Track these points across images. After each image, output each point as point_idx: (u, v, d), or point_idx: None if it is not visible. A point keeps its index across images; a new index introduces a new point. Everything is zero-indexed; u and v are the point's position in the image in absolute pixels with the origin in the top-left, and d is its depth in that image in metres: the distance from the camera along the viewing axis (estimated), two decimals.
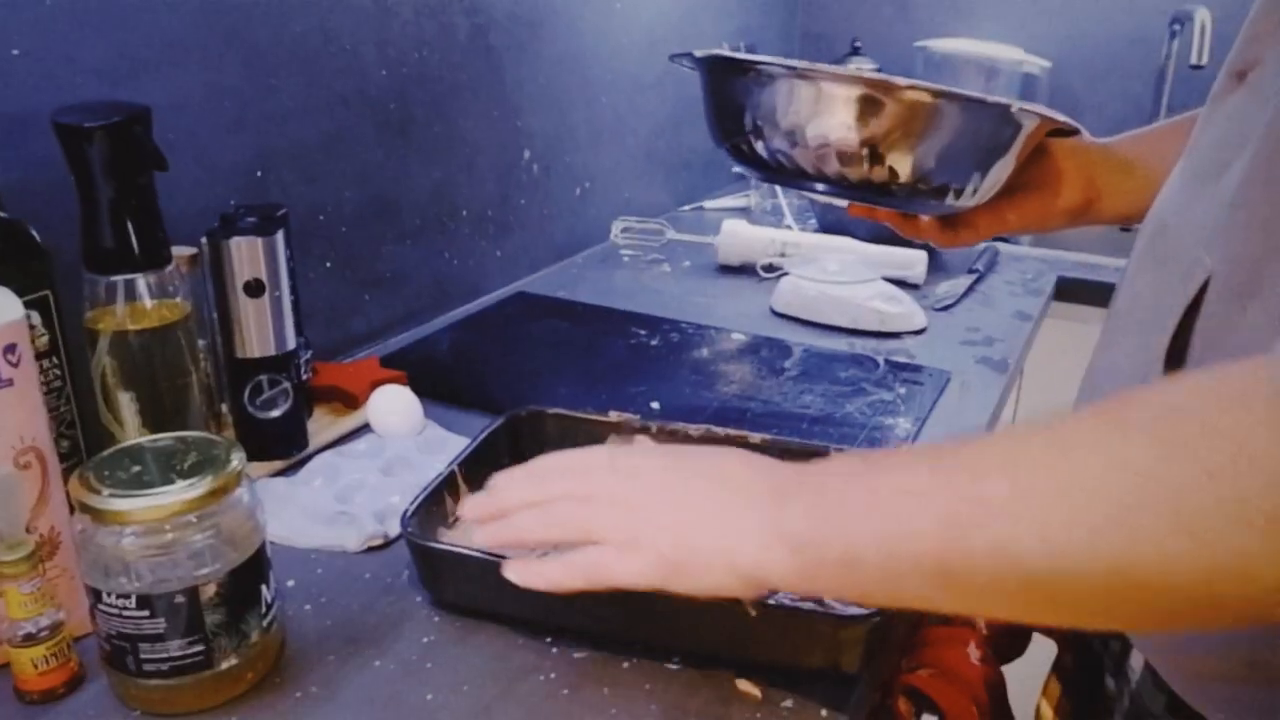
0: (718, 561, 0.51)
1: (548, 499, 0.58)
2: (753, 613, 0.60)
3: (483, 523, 0.60)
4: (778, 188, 1.68)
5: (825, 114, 0.71)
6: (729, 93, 0.76)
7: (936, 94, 0.71)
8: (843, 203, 0.83)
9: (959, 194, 0.76)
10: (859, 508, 0.47)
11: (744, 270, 1.46)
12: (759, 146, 0.75)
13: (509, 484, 0.60)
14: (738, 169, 0.81)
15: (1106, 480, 0.38)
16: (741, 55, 0.74)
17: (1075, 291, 1.48)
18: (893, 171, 0.72)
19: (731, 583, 0.52)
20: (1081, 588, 0.39)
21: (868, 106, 0.70)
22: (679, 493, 0.54)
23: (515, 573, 0.58)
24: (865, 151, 0.71)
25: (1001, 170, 0.76)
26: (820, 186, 0.75)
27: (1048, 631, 0.85)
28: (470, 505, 0.62)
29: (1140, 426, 0.39)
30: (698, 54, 0.79)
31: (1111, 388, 0.61)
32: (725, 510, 0.52)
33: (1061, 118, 0.77)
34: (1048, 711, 0.80)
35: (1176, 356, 0.55)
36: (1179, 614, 0.40)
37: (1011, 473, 0.41)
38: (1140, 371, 0.57)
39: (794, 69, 0.71)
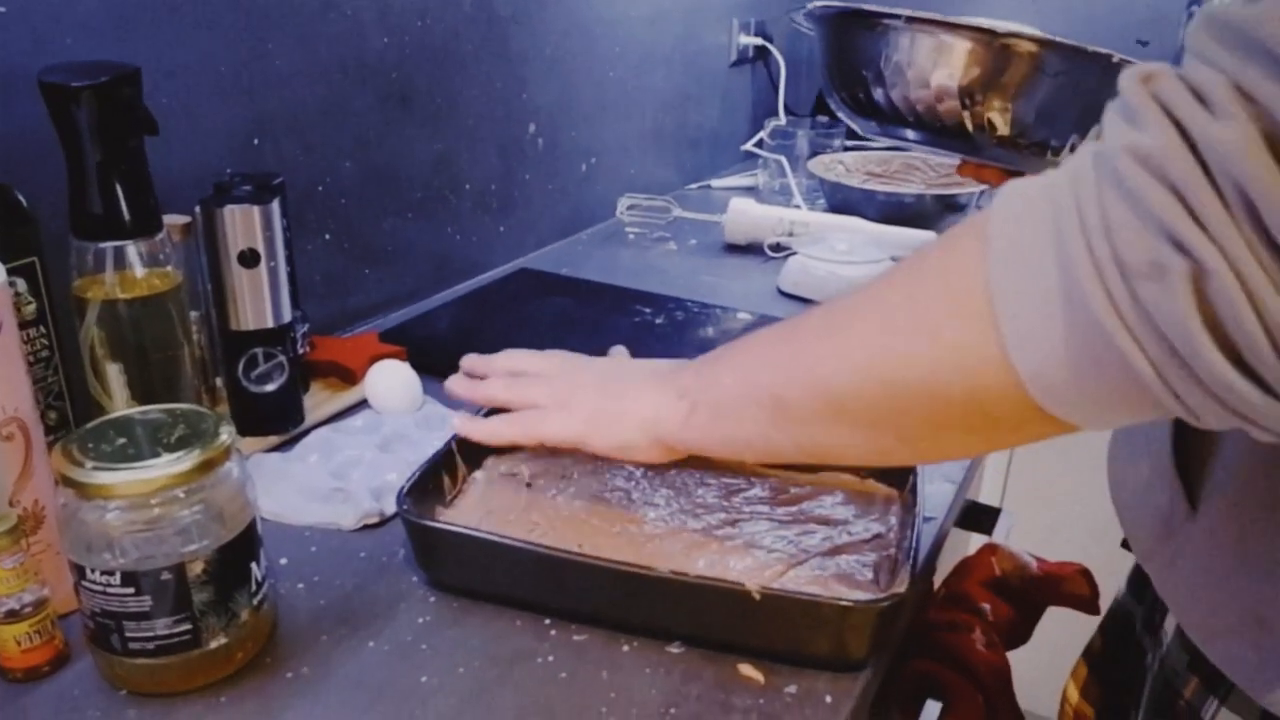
0: (628, 417, 0.63)
1: (517, 376, 0.72)
2: (757, 596, 0.58)
3: (462, 387, 0.74)
4: (787, 167, 1.65)
5: (936, 63, 0.74)
6: (846, 43, 0.78)
7: (1043, 43, 0.71)
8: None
9: (1057, 151, 0.74)
10: (728, 361, 0.60)
11: (751, 249, 1.44)
12: (876, 94, 0.77)
13: (503, 360, 0.76)
14: (849, 121, 0.84)
15: (877, 319, 0.51)
16: (866, 7, 0.75)
17: None
18: (990, 124, 0.74)
19: (637, 436, 0.63)
20: (868, 398, 0.50)
21: (974, 56, 0.72)
22: (608, 375, 0.70)
23: (460, 422, 0.71)
24: (966, 100, 0.74)
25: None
26: (914, 135, 0.79)
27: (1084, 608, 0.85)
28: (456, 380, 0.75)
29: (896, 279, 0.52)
30: (818, 7, 0.79)
31: None
32: (639, 382, 0.65)
33: None
34: (1074, 693, 0.79)
35: None
36: (936, 416, 0.48)
37: (824, 327, 0.54)
38: None
39: (912, 19, 0.73)
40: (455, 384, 0.74)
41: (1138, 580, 0.74)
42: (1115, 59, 0.70)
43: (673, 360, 0.69)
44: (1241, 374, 0.36)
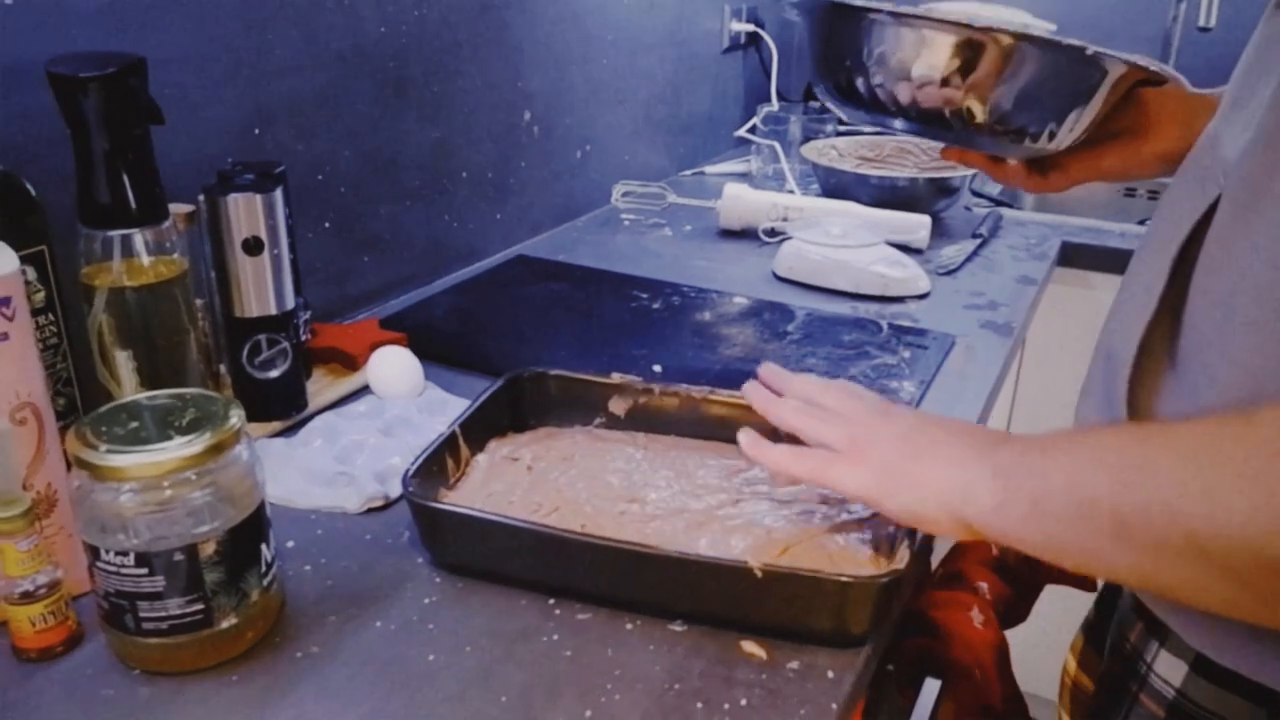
0: (928, 485, 0.58)
1: (815, 406, 0.68)
2: (759, 574, 0.60)
3: (758, 398, 0.71)
4: (780, 152, 1.66)
5: (917, 55, 0.75)
6: (831, 33, 0.79)
7: (1019, 37, 0.72)
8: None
9: (1035, 138, 0.76)
10: (1056, 455, 0.53)
11: (746, 234, 1.45)
12: (858, 83, 0.78)
13: (802, 384, 0.71)
14: (831, 106, 0.85)
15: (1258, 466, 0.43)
16: (849, 1, 0.76)
17: (1079, 256, 1.47)
18: (969, 112, 0.74)
19: (934, 509, 0.57)
20: (1232, 551, 0.43)
21: (954, 48, 0.73)
22: (912, 431, 0.62)
23: (747, 440, 0.67)
24: (946, 90, 0.74)
25: (1082, 116, 0.76)
26: (899, 124, 0.79)
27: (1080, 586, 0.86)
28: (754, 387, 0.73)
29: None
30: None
31: (1133, 292, 0.62)
32: (946, 449, 0.59)
33: (1154, 66, 0.76)
34: (1072, 664, 0.80)
35: (1183, 271, 0.57)
36: None
37: (1177, 449, 0.47)
38: (1148, 289, 0.59)
39: (893, 14, 0.73)
40: (752, 391, 0.72)
41: None
42: (1090, 51, 0.71)
43: (987, 429, 0.64)
44: None
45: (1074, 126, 0.76)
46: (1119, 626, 0.64)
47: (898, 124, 0.79)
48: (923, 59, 0.74)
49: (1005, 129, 0.76)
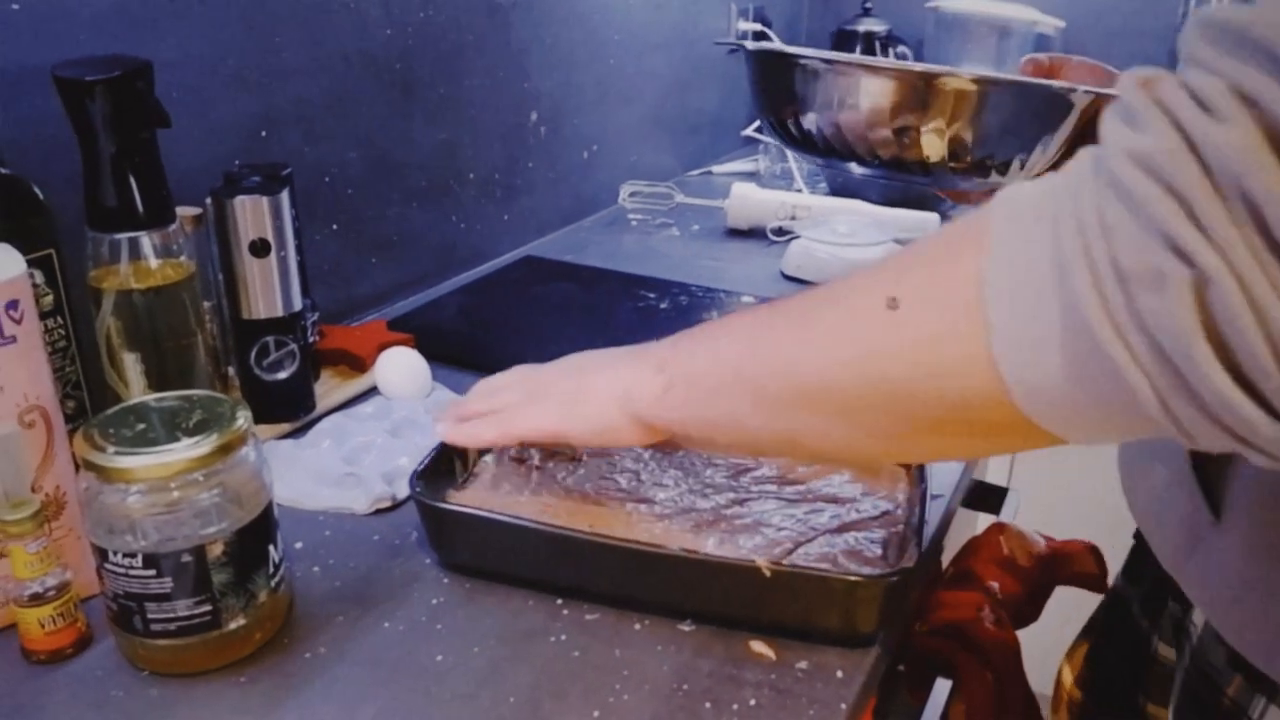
0: (600, 394, 0.62)
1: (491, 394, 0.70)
2: (767, 573, 0.59)
3: (450, 433, 0.69)
4: (787, 151, 1.66)
5: (861, 102, 0.74)
6: (773, 80, 0.78)
7: (975, 80, 0.71)
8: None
9: (1004, 169, 0.75)
10: (703, 339, 0.60)
11: (753, 234, 1.45)
12: (803, 124, 0.78)
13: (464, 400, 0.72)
14: (777, 143, 0.84)
15: (858, 306, 0.48)
16: (787, 50, 0.74)
17: None
18: (926, 156, 0.74)
19: (614, 414, 0.61)
20: (842, 390, 0.49)
21: (895, 95, 0.72)
22: (576, 362, 0.67)
23: (442, 428, 0.69)
24: (895, 135, 0.73)
25: (1052, 143, 0.74)
26: (856, 167, 0.78)
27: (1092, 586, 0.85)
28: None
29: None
30: (749, 47, 0.79)
31: None
32: (610, 361, 0.64)
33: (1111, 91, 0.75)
34: (1068, 676, 0.80)
35: None
36: (915, 416, 0.47)
37: (805, 311, 0.53)
38: None
39: (832, 62, 0.72)
40: (444, 432, 0.70)
41: (1134, 563, 0.75)
42: (1055, 88, 0.70)
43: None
44: (1241, 390, 0.34)
45: (1046, 152, 0.74)
46: (1204, 679, 0.60)
47: (854, 167, 0.78)
48: (868, 105, 0.73)
49: (962, 166, 0.74)
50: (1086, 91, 0.72)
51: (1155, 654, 0.69)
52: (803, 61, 0.74)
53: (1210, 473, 0.56)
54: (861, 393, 0.48)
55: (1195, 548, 0.57)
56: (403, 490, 0.76)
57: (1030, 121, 0.73)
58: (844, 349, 0.49)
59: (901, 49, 1.95)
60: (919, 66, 0.71)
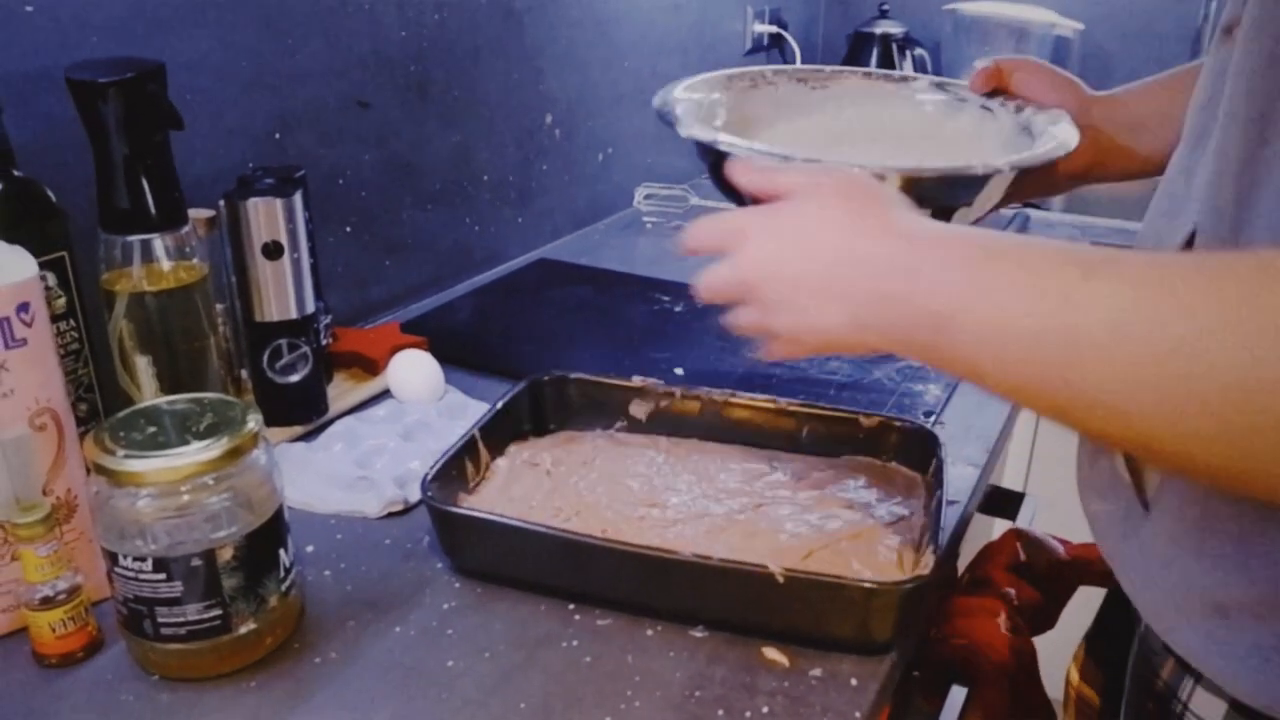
0: (828, 305, 0.55)
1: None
2: (781, 579, 0.59)
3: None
4: None
5: None
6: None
7: (910, 179, 0.68)
8: None
9: (949, 214, 0.73)
10: (969, 330, 0.48)
11: None
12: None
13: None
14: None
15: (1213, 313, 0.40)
16: (730, 147, 0.71)
17: None
18: None
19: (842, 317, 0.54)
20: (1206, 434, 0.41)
21: None
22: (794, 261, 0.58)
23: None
24: None
25: (989, 201, 0.73)
26: None
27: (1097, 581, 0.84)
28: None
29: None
30: (683, 135, 0.77)
31: None
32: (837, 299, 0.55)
33: (1040, 159, 0.70)
34: (1075, 676, 0.79)
35: None
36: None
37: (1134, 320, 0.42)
38: None
39: (784, 156, 0.69)
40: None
41: None
42: (979, 170, 0.67)
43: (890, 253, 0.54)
44: None
45: (987, 205, 0.73)
46: (1143, 659, 0.62)
47: None
48: None
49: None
50: (1012, 168, 0.69)
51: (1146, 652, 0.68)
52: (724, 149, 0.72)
53: (1141, 468, 0.57)
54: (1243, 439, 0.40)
55: (1127, 540, 0.58)
56: (415, 494, 0.76)
57: (959, 193, 0.72)
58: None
59: (919, 51, 1.94)
60: (869, 164, 0.67)
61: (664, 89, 0.80)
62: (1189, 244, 0.54)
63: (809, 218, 0.58)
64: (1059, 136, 0.72)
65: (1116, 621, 0.74)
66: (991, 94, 0.83)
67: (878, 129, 0.87)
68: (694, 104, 0.78)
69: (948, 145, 0.84)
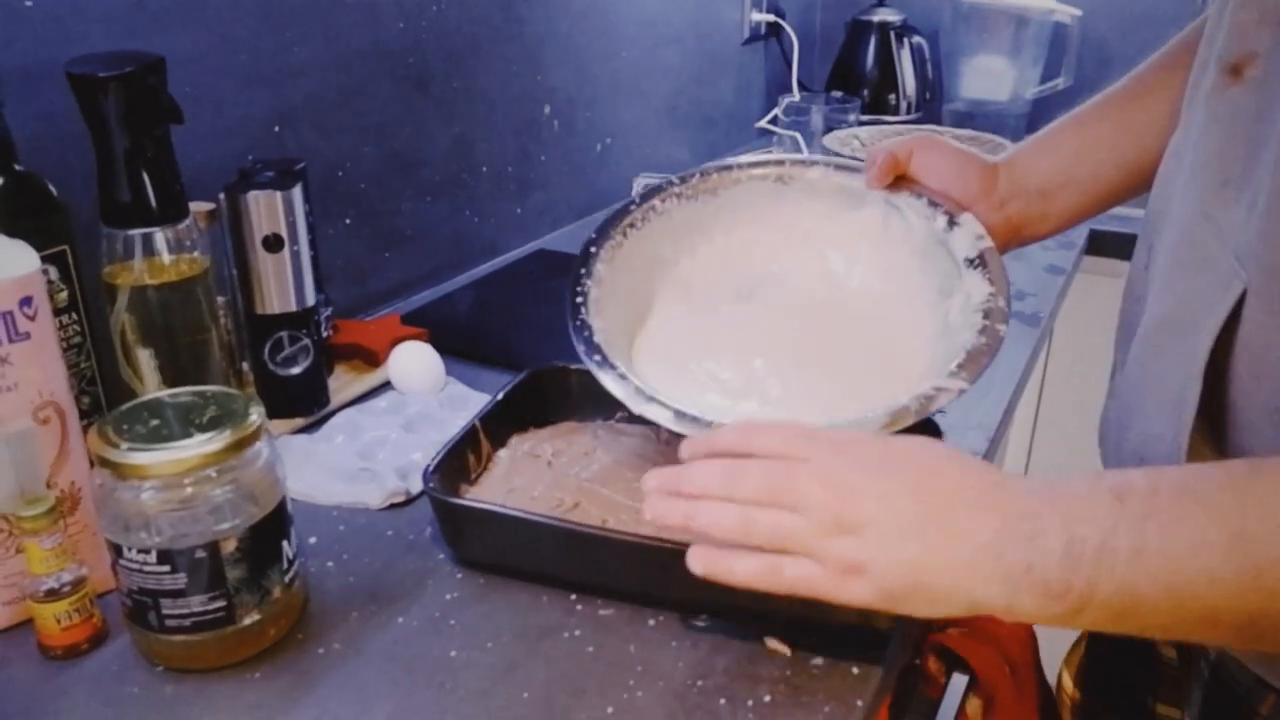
0: (955, 598, 0.47)
1: (745, 497, 0.50)
2: None
3: (663, 495, 0.53)
4: (802, 143, 1.65)
5: None
6: None
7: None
8: None
9: None
10: (1143, 563, 0.43)
11: None
12: None
13: (700, 468, 0.53)
14: None
15: None
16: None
17: (1108, 244, 1.45)
18: None
19: (964, 611, 0.48)
20: None
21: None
22: (904, 521, 0.47)
23: (701, 563, 0.51)
24: None
25: None
26: None
27: None
28: (653, 475, 0.54)
29: None
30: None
31: (1159, 398, 0.58)
32: (959, 546, 0.46)
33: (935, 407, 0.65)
34: (1068, 678, 0.79)
35: (1216, 365, 0.53)
36: None
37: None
38: (1180, 382, 0.55)
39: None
40: (653, 506, 0.53)
41: None
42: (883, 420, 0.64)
43: (967, 470, 0.48)
44: None
45: None
46: (1230, 695, 0.60)
47: None
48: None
49: None
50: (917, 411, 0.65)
51: (1159, 654, 0.68)
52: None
53: None
54: None
55: None
56: (416, 485, 0.76)
57: None
58: None
59: (917, 39, 1.93)
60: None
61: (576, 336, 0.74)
62: (1240, 305, 0.52)
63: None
64: (975, 295, 0.70)
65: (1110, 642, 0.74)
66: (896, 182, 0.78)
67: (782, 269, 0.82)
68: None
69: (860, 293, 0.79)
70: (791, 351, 0.76)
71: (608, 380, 0.70)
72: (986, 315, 0.69)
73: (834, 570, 0.48)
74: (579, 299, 0.75)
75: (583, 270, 0.77)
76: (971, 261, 0.72)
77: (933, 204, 0.76)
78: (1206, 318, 0.53)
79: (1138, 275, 0.66)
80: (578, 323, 0.73)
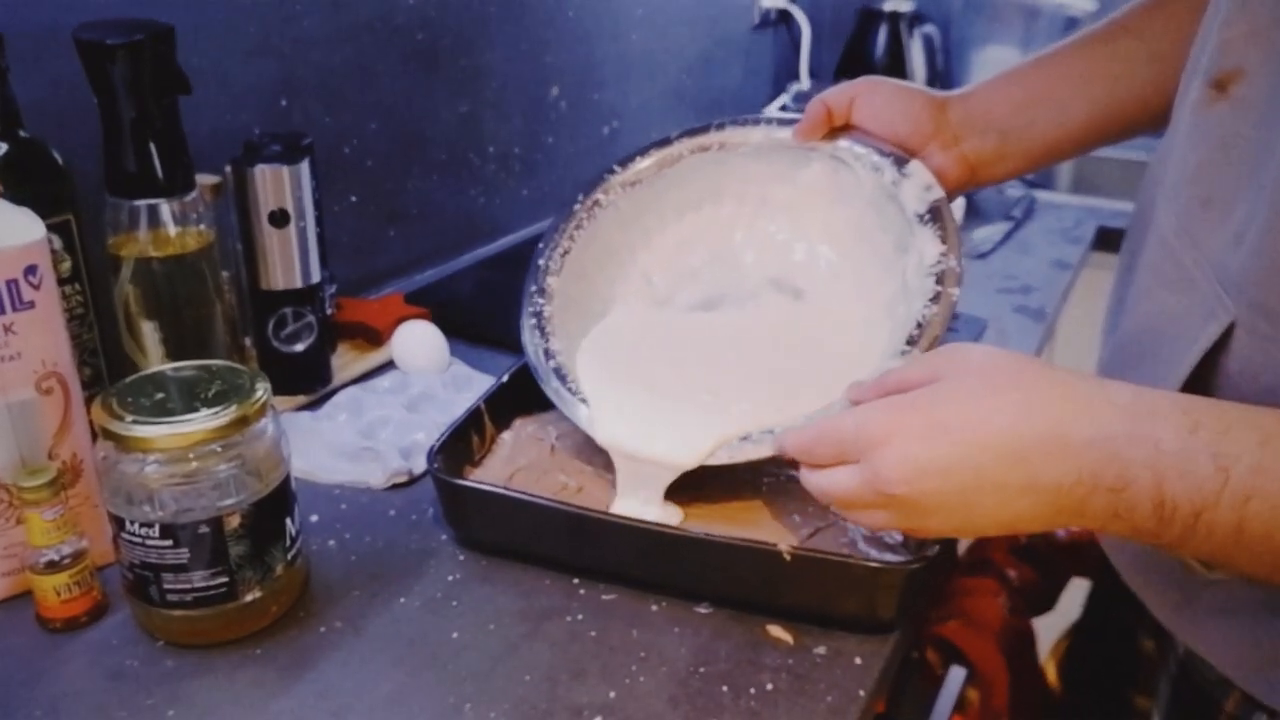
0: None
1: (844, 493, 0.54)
2: (788, 557, 0.59)
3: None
4: None
5: None
6: None
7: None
8: None
9: None
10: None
11: None
12: None
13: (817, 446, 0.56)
14: None
15: None
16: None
17: (1116, 240, 1.44)
18: None
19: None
20: None
21: None
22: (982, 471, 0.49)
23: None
24: None
25: None
26: None
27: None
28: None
29: None
30: None
31: None
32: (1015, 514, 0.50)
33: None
34: (1052, 672, 0.79)
35: (1195, 383, 0.52)
36: None
37: None
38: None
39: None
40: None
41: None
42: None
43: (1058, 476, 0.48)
44: None
45: None
46: (1198, 693, 0.60)
47: None
48: None
49: None
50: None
51: (1141, 648, 0.68)
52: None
53: None
54: None
55: (1189, 602, 0.56)
56: (419, 465, 0.76)
57: None
58: None
59: (928, 29, 1.92)
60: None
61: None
62: (1226, 337, 0.51)
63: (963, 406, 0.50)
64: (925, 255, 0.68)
65: (1107, 622, 0.74)
66: (841, 129, 0.75)
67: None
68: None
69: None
70: (748, 352, 0.74)
71: (579, 419, 0.70)
72: (939, 280, 0.67)
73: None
74: (534, 320, 0.76)
75: (534, 288, 0.77)
76: (922, 217, 0.70)
77: (881, 153, 0.73)
78: (1189, 345, 0.52)
79: (1122, 276, 0.65)
80: (543, 350, 0.74)
